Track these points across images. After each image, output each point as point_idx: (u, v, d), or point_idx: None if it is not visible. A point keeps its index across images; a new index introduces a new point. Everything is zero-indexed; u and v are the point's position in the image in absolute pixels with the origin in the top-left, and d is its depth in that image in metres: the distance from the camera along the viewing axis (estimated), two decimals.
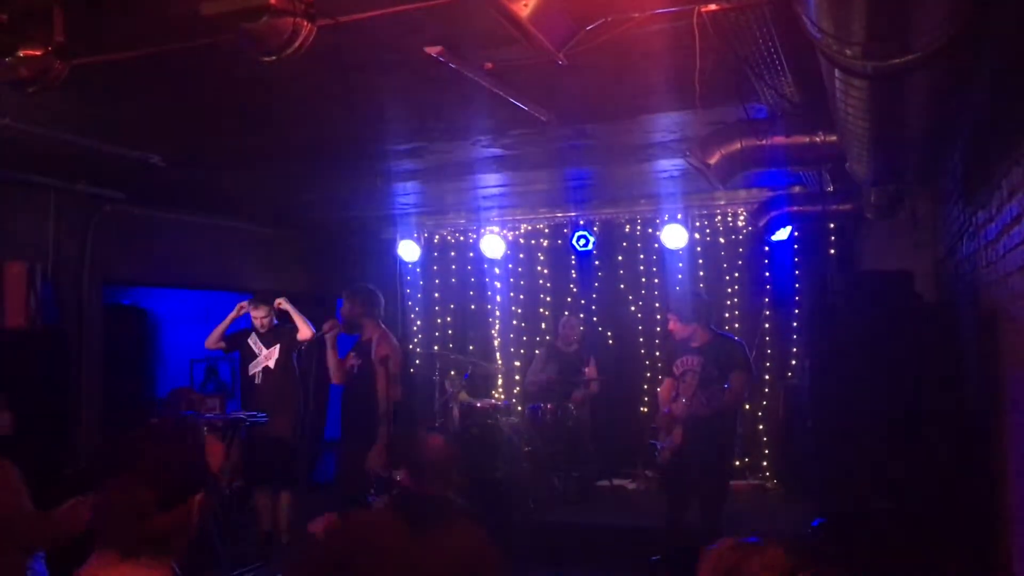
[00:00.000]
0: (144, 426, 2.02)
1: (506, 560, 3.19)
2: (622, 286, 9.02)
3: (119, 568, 1.70)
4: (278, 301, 7.17)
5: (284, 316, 7.31)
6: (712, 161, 5.04)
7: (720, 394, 5.47)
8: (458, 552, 3.02)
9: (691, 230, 8.39)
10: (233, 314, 7.25)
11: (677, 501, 5.84)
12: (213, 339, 7.33)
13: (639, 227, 8.90)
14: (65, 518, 2.59)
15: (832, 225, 7.84)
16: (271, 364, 7.13)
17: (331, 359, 6.05)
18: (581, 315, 8.94)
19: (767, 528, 5.58)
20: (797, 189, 7.40)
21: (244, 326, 7.37)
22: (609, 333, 9.07)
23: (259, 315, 7.19)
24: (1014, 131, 2.96)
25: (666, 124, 5.39)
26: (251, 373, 7.21)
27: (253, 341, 7.24)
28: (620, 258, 9.02)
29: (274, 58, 2.88)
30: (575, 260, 9.15)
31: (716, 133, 4.99)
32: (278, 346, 7.14)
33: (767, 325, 8.36)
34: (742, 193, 7.95)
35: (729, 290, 8.53)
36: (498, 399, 8.87)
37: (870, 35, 2.34)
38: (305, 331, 7.01)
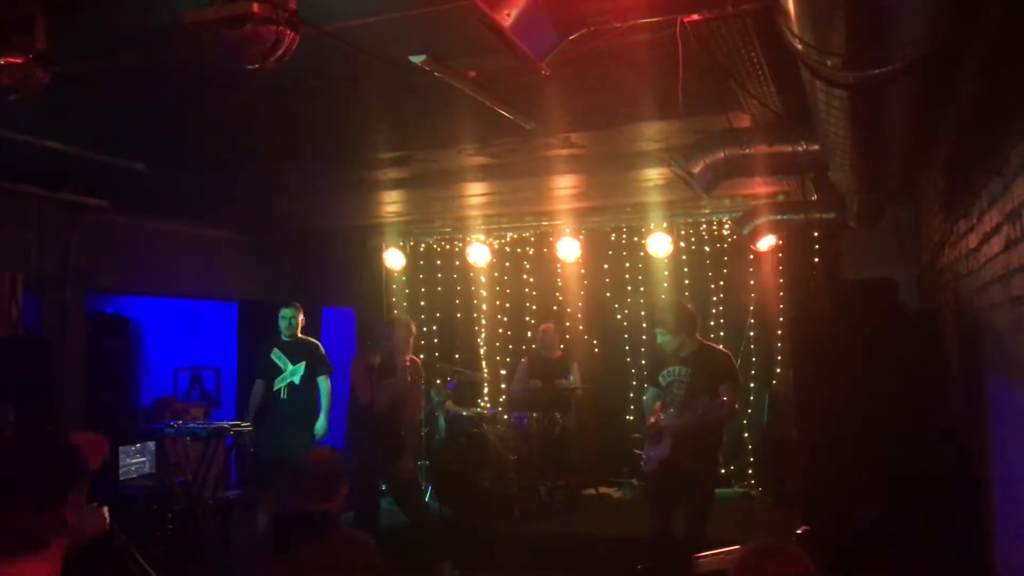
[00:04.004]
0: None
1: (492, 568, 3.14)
2: (608, 294, 9.03)
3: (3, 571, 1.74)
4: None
5: (307, 327, 7.39)
6: (696, 170, 5.05)
7: (715, 408, 5.46)
8: (332, 566, 2.92)
9: (676, 238, 8.42)
10: None
11: (661, 510, 5.83)
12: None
13: (624, 235, 8.93)
14: None
15: (816, 234, 7.88)
16: (296, 380, 7.19)
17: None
18: (567, 323, 8.95)
19: (751, 536, 5.57)
20: (781, 198, 7.43)
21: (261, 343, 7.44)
22: (595, 341, 9.07)
23: (288, 314, 7.24)
24: (994, 141, 2.98)
25: (650, 133, 5.40)
26: (276, 388, 7.23)
27: (277, 356, 7.25)
28: (606, 266, 9.04)
29: (257, 66, 2.87)
30: (561, 268, 9.16)
31: (699, 142, 5.00)
32: (304, 363, 7.21)
33: (751, 333, 8.39)
34: (727, 202, 7.98)
35: (714, 298, 8.57)
36: (484, 408, 8.87)
37: (850, 46, 2.35)
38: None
